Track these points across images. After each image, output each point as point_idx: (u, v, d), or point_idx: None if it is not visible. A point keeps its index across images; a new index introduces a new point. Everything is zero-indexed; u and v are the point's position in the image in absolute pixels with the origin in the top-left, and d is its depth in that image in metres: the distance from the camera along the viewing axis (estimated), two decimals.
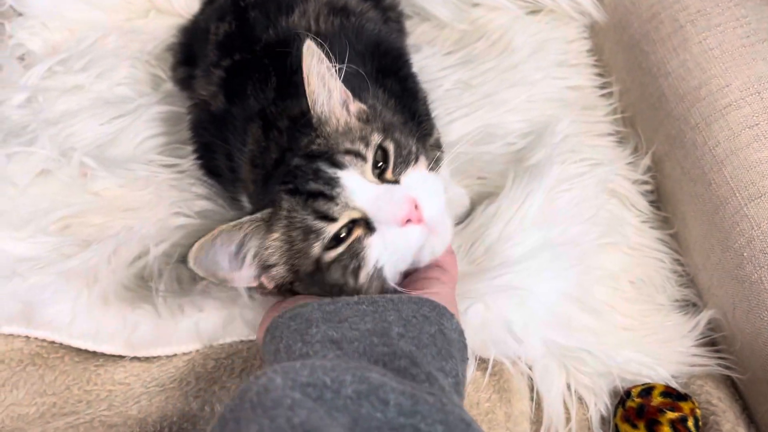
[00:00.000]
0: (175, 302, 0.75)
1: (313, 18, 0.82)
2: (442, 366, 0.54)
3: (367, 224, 0.60)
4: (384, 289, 0.62)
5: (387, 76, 0.80)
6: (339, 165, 0.61)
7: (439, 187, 0.64)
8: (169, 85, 1.08)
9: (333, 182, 0.60)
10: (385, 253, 0.60)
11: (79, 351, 0.74)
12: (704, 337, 0.82)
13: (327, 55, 0.63)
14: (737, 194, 0.78)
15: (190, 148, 0.95)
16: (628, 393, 0.76)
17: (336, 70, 0.65)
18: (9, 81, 1.04)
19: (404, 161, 0.63)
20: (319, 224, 0.59)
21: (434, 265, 0.65)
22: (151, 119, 0.98)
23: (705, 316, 0.81)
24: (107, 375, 0.73)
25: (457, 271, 0.67)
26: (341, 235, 0.60)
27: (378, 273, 0.61)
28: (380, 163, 0.63)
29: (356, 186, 0.60)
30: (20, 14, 1.19)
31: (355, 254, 0.60)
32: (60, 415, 0.70)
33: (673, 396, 0.74)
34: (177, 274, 0.79)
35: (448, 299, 0.61)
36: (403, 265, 0.62)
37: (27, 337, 0.74)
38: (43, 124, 0.90)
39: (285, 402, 0.44)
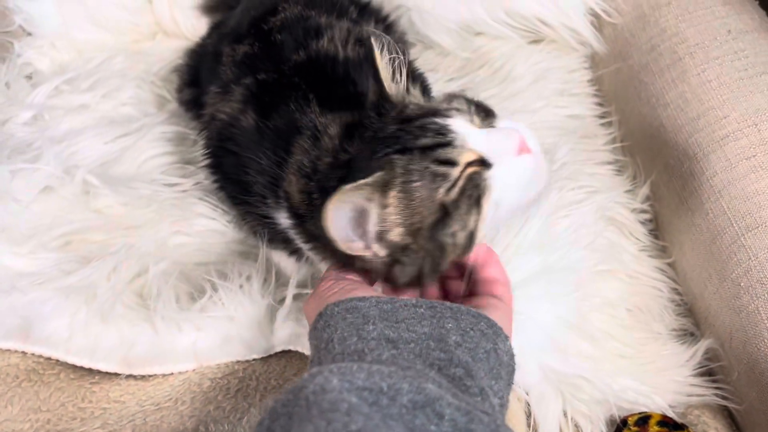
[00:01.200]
0: (173, 321, 0.76)
1: (340, 44, 0.84)
2: (492, 385, 0.54)
3: (482, 163, 0.63)
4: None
5: None
6: (446, 115, 0.64)
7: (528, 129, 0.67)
8: (173, 106, 1.09)
9: (444, 130, 0.63)
10: (505, 186, 0.63)
11: (75, 368, 0.74)
12: (701, 367, 0.81)
13: (392, 47, 0.67)
14: (734, 224, 0.79)
15: (192, 168, 0.96)
16: (624, 421, 0.75)
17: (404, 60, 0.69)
18: (16, 99, 1.05)
19: (489, 115, 0.67)
20: (442, 169, 0.61)
21: (489, 295, 0.65)
22: (155, 139, 1.00)
23: (702, 345, 0.81)
24: (102, 392, 0.73)
25: (512, 305, 0.67)
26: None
27: (497, 209, 0.63)
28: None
29: (466, 130, 0.63)
30: (29, 34, 1.21)
31: (476, 185, 0.62)
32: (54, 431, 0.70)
33: (670, 425, 0.74)
34: (176, 292, 0.79)
35: (504, 323, 0.61)
36: (521, 197, 0.65)
37: (23, 353, 0.74)
38: (48, 142, 0.91)
39: (342, 406, 0.43)
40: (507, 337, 0.58)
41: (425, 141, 0.62)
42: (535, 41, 1.17)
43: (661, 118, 0.95)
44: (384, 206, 0.62)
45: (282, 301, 0.78)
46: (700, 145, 0.87)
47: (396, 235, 0.62)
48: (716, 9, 0.99)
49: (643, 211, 0.97)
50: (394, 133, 0.64)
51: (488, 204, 0.63)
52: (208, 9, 1.20)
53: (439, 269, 0.64)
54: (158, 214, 0.87)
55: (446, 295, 0.70)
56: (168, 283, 0.79)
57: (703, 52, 0.94)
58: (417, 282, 0.65)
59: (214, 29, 1.07)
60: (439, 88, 1.10)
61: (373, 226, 0.62)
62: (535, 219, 0.82)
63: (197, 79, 0.99)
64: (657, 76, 0.98)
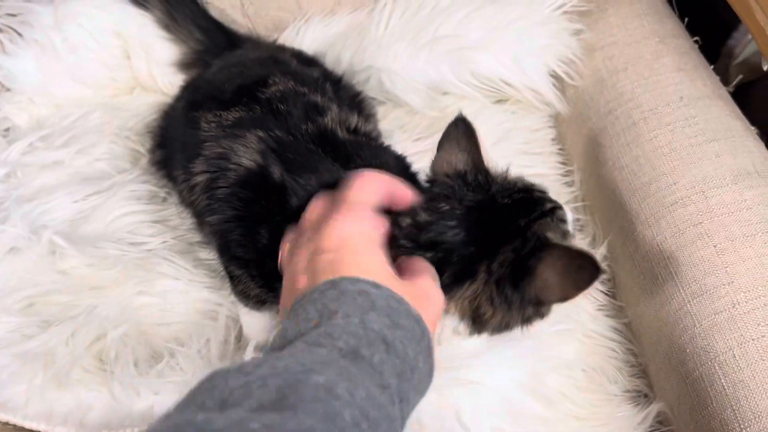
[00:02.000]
0: (130, 385, 0.76)
1: (338, 126, 0.86)
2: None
3: None
4: None
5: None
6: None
7: None
8: (146, 160, 1.11)
9: (550, 197, 0.76)
10: None
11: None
12: (654, 430, 0.83)
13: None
14: (681, 291, 0.81)
15: (160, 227, 0.98)
16: None
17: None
18: None
19: None
20: (565, 227, 0.74)
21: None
22: (126, 197, 1.01)
23: (654, 409, 0.83)
24: None
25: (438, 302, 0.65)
26: None
27: None
28: None
29: None
30: (8, 89, 1.23)
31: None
32: None
33: None
34: (135, 356, 0.80)
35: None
36: None
37: None
38: (16, 202, 0.93)
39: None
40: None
41: (549, 206, 0.74)
42: (501, 101, 1.21)
43: (617, 181, 0.98)
44: None
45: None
46: (652, 209, 0.89)
47: None
48: (670, 75, 1.03)
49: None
50: (522, 200, 0.72)
51: None
52: (184, 66, 1.24)
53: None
54: (123, 274, 0.89)
55: None
56: (127, 347, 0.80)
57: (656, 118, 0.98)
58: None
59: (183, 92, 1.09)
60: (408, 147, 1.13)
61: None
62: None
63: (167, 140, 1.01)
64: (614, 140, 1.01)
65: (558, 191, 1.11)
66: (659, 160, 0.93)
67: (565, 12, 1.15)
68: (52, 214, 0.95)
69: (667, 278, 0.83)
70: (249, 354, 0.79)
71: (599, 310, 0.95)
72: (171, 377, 0.77)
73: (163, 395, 0.77)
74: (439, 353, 0.80)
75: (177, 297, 0.88)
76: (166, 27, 1.23)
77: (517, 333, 0.84)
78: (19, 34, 1.22)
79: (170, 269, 0.90)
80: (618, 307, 0.96)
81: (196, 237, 0.96)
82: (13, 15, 1.23)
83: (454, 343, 0.81)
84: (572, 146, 1.15)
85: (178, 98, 1.08)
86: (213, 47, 1.19)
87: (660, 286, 0.84)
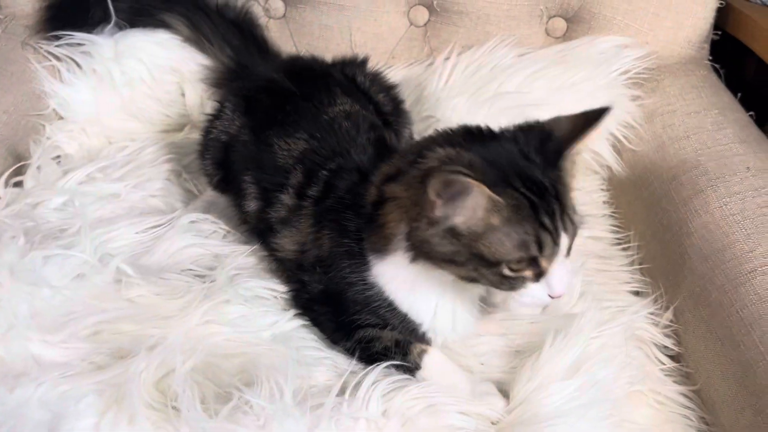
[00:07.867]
0: (198, 426, 0.72)
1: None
2: None
3: None
4: None
5: None
6: None
7: None
8: (199, 202, 1.10)
9: None
10: None
11: None
12: None
13: None
14: None
15: (222, 261, 0.96)
16: None
17: None
18: (47, 183, 1.06)
19: None
20: None
21: None
22: (185, 231, 0.99)
23: None
24: None
25: None
26: None
27: None
28: None
29: None
30: (61, 118, 1.23)
31: None
32: None
33: None
34: (202, 393, 0.76)
35: None
36: None
37: None
38: (81, 229, 0.91)
39: None
40: None
41: None
42: None
43: (684, 246, 0.97)
44: None
45: (318, 407, 0.75)
46: (728, 276, 0.89)
47: None
48: (734, 146, 1.05)
49: (666, 336, 0.97)
50: None
51: None
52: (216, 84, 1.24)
53: None
54: (190, 304, 0.86)
55: None
56: (194, 383, 0.76)
57: (724, 187, 0.98)
58: None
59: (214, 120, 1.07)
60: None
61: None
62: (575, 340, 0.83)
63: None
64: (679, 205, 1.01)
65: (613, 254, 1.10)
66: (732, 228, 0.93)
67: (628, 78, 1.18)
68: (114, 243, 0.93)
69: (751, 345, 0.82)
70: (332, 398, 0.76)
71: (668, 376, 0.93)
72: (244, 421, 0.72)
73: None
74: (523, 413, 0.78)
75: (249, 328, 0.85)
76: (197, 44, 1.25)
77: (591, 391, 0.82)
78: (78, 65, 1.23)
79: (238, 297, 0.88)
80: (686, 373, 0.94)
81: (261, 265, 0.96)
82: (75, 45, 1.23)
83: (535, 401, 0.79)
84: (629, 209, 1.15)
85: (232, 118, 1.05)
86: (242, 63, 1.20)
87: (742, 353, 0.82)
